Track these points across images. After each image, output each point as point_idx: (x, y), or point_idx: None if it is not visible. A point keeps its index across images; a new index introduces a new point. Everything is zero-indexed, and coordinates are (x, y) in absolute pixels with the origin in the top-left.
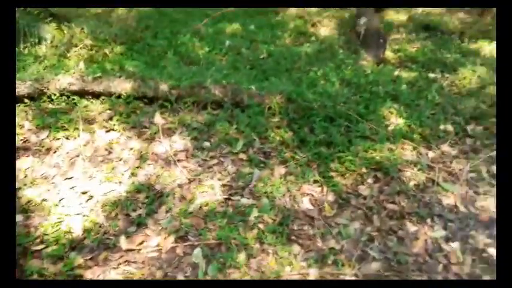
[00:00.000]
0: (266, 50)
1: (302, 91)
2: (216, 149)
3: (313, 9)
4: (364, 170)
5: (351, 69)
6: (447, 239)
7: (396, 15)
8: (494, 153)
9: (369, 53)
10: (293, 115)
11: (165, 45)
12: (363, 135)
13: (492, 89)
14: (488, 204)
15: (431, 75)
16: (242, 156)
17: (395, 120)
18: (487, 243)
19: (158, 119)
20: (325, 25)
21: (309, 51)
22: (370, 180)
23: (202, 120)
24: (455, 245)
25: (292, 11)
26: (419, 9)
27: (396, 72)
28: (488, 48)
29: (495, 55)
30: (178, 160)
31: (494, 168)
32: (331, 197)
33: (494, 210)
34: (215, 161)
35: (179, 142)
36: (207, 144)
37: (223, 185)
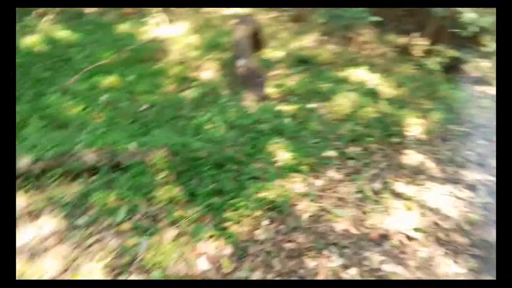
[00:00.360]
0: (147, 100)
1: (187, 141)
2: (95, 223)
3: (194, 53)
4: (258, 212)
5: (235, 110)
6: (345, 267)
7: (273, 53)
8: (375, 171)
9: (250, 93)
10: (180, 168)
11: (28, 110)
12: (254, 176)
13: (364, 111)
14: (375, 221)
15: (311, 105)
16: (126, 225)
17: (283, 155)
18: (381, 260)
19: (19, 200)
20: (208, 68)
21: (193, 97)
22: (266, 222)
23: (75, 192)
24: (352, 271)
25: (173, 57)
26: (294, 45)
27: (279, 107)
28: (355, 73)
29: (362, 80)
30: (47, 248)
31: (376, 185)
32: (228, 250)
33: (383, 226)
34: (94, 238)
35: (48, 224)
36: (82, 220)
37: (106, 266)
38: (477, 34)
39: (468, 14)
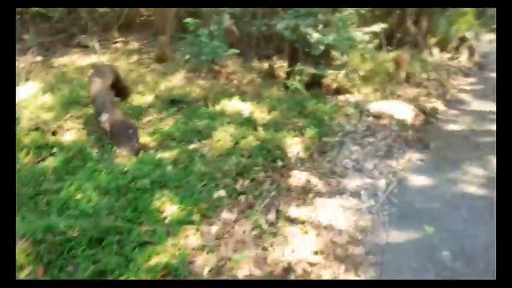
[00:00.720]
0: None
1: (52, 222)
2: None
3: (50, 115)
4: None
5: (107, 172)
6: None
7: (142, 99)
8: (267, 200)
9: (123, 148)
10: (47, 258)
11: None
12: (140, 242)
13: (245, 142)
14: (276, 255)
15: (192, 146)
16: None
17: (170, 209)
18: None
19: None
20: (69, 128)
21: (56, 166)
22: None
23: None
24: None
25: (24, 123)
26: (163, 86)
27: (158, 156)
28: (228, 105)
29: (237, 110)
30: None
31: (270, 216)
32: None
33: (284, 258)
34: None
35: None
36: None
37: None
38: (326, 50)
39: (314, 35)
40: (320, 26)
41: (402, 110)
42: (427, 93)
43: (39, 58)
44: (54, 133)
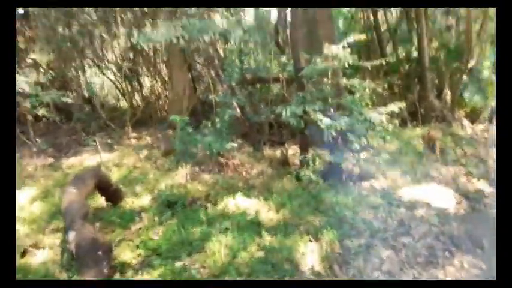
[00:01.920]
0: None
1: None
2: None
3: (28, 229)
4: None
5: None
6: None
7: (137, 201)
8: None
9: (87, 274)
10: None
11: None
12: None
13: (245, 254)
14: None
15: (178, 264)
16: None
17: None
18: None
19: None
20: (45, 245)
21: None
22: None
23: None
24: None
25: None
26: (163, 185)
27: (135, 279)
28: (231, 204)
29: (240, 210)
30: None
31: None
32: None
33: None
34: None
35: None
36: None
37: None
38: (340, 134)
39: (324, 120)
40: (331, 110)
41: (440, 196)
42: (466, 173)
43: (50, 160)
44: (23, 254)
